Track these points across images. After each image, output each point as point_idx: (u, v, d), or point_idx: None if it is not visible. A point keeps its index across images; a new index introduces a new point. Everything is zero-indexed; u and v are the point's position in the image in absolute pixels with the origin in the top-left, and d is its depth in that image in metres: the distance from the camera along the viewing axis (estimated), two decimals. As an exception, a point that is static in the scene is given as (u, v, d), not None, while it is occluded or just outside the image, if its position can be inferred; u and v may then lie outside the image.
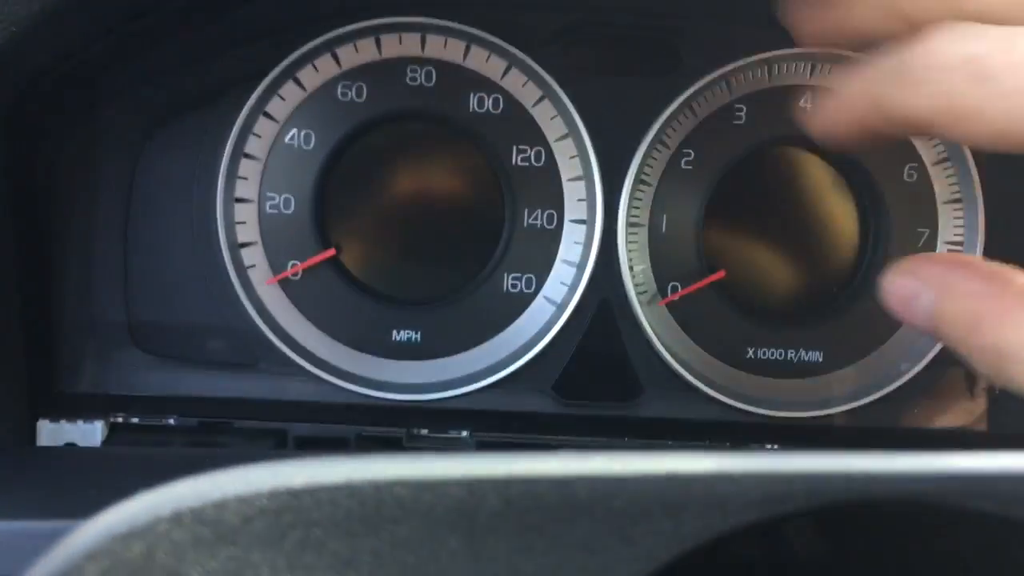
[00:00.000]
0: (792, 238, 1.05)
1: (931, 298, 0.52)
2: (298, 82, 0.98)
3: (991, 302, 0.49)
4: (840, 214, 1.04)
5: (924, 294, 0.53)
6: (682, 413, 1.03)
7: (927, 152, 1.02)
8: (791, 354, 1.04)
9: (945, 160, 1.01)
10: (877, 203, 1.02)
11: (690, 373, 1.01)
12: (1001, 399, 1.04)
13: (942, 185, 1.02)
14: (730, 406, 1.02)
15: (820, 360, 1.04)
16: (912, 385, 1.03)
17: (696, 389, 1.01)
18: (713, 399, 1.02)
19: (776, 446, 1.02)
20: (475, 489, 0.38)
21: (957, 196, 1.02)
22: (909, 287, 0.54)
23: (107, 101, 0.97)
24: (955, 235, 1.02)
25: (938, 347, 1.01)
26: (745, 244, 1.05)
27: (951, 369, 1.03)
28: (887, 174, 1.01)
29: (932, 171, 1.02)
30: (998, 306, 0.49)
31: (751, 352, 1.03)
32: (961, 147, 0.99)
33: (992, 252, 1.01)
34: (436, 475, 0.38)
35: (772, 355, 1.04)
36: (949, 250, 1.03)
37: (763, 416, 1.02)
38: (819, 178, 1.04)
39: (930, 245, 1.03)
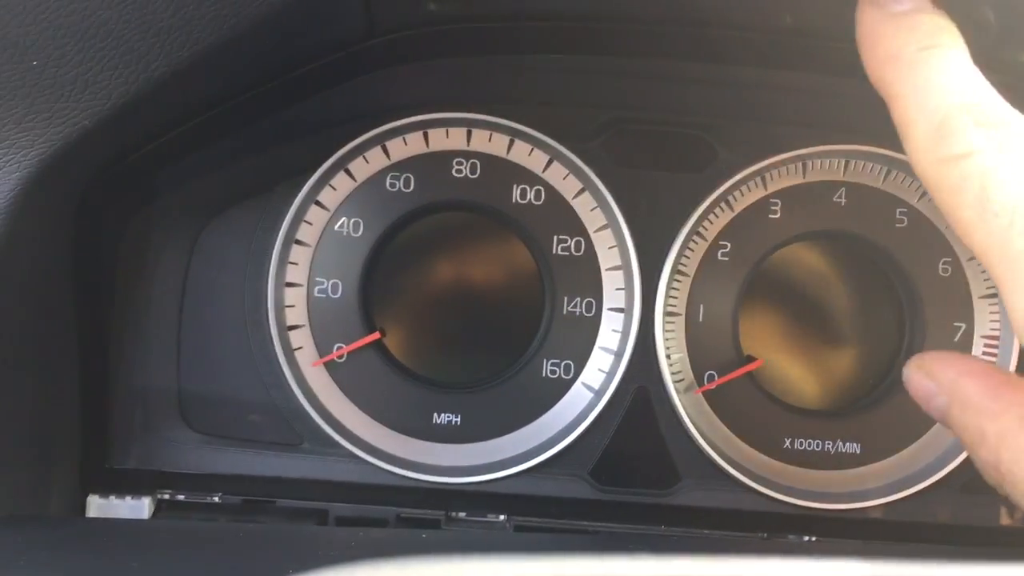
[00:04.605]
0: (828, 330, 1.06)
1: (944, 402, 0.53)
2: (349, 172, 1.03)
3: (992, 421, 0.50)
4: (875, 308, 1.05)
5: (937, 396, 0.54)
6: (718, 502, 1.03)
7: (961, 247, 1.03)
8: (828, 446, 1.04)
9: (980, 255, 1.02)
10: (912, 297, 1.04)
11: (727, 462, 1.02)
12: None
13: (977, 280, 1.03)
14: (767, 496, 1.02)
15: (858, 452, 1.04)
16: (949, 481, 1.02)
17: (733, 478, 1.02)
18: (750, 488, 1.02)
19: (813, 538, 1.01)
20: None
21: (992, 291, 1.03)
22: (925, 387, 0.55)
23: (167, 189, 1.02)
24: (991, 329, 1.03)
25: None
26: (781, 335, 1.06)
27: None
28: (922, 268, 1.03)
29: (967, 266, 1.03)
30: (998, 427, 0.50)
31: (788, 443, 1.04)
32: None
33: (1029, 347, 1.01)
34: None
35: (809, 446, 1.04)
36: (986, 344, 1.03)
37: (799, 507, 1.02)
38: (854, 272, 1.06)
39: (966, 339, 1.03)
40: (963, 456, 1.01)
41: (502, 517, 1.01)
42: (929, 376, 0.55)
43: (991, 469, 0.50)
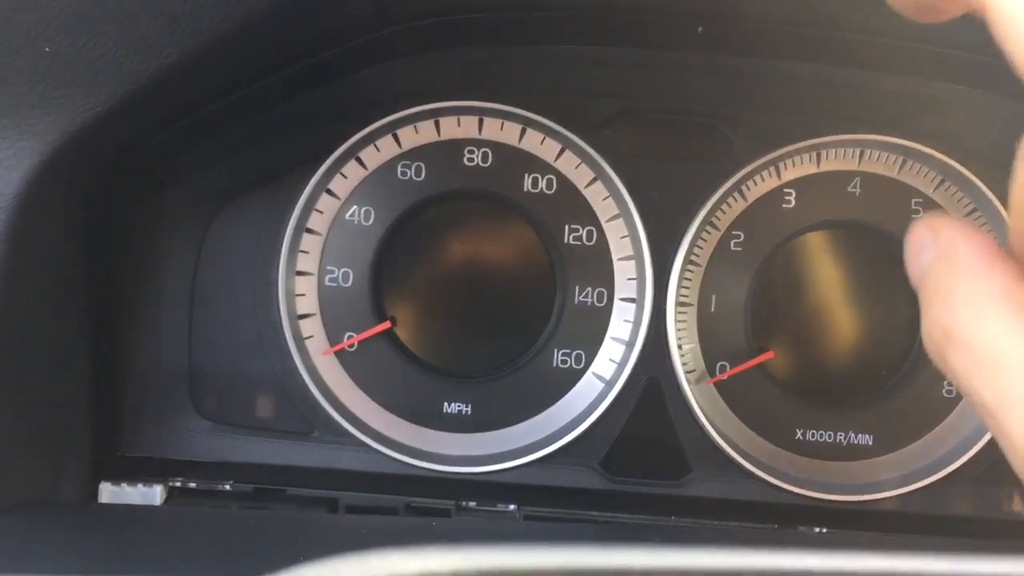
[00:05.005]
0: (841, 321, 1.05)
1: (932, 257, 0.51)
2: (360, 161, 1.02)
3: (970, 285, 0.47)
4: (889, 298, 1.05)
5: (928, 251, 0.51)
6: (729, 493, 1.03)
7: (977, 238, 1.02)
8: (840, 437, 1.03)
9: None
10: (927, 288, 1.03)
11: (738, 453, 1.02)
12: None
13: (992, 271, 1.02)
14: (778, 487, 1.01)
15: (870, 444, 1.03)
16: (961, 473, 1.02)
17: (744, 469, 1.01)
18: (761, 480, 1.01)
19: (824, 529, 1.01)
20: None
21: (1007, 282, 1.02)
22: (921, 239, 0.52)
23: (179, 177, 1.02)
24: (1006, 321, 1.02)
25: (989, 435, 1.00)
26: (793, 326, 1.06)
27: (1001, 458, 1.01)
28: (936, 259, 1.02)
29: (982, 257, 1.02)
30: (972, 291, 0.46)
31: (800, 433, 1.03)
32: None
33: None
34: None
35: (821, 437, 1.03)
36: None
37: (811, 499, 1.01)
38: (867, 263, 1.05)
39: (981, 330, 1.02)
40: (978, 448, 1.00)
41: (512, 507, 1.01)
42: (932, 229, 0.52)
43: (939, 331, 0.47)
